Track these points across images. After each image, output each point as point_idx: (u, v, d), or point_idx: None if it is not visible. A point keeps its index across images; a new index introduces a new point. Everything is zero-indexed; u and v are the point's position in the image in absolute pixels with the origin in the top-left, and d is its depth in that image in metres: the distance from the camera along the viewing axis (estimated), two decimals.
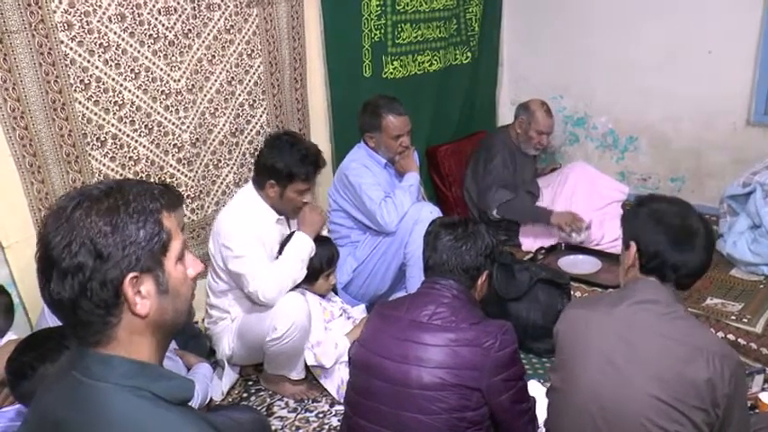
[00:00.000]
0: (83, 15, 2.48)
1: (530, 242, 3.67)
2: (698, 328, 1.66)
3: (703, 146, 4.08)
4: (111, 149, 2.70)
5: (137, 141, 2.77)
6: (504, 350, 1.81)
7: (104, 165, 2.69)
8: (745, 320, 2.77)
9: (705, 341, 1.60)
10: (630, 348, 1.62)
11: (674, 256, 1.66)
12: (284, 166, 2.55)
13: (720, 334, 2.68)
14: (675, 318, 1.64)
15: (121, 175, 2.74)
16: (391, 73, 3.80)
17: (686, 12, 3.91)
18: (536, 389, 2.32)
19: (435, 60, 4.06)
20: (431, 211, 2.92)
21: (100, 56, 2.57)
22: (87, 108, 2.58)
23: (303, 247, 2.62)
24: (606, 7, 4.22)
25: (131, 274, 1.05)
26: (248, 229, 2.55)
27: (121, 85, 2.66)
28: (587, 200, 3.73)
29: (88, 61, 2.54)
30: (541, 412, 1.97)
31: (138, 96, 2.73)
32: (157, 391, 1.07)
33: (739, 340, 2.68)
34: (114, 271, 1.04)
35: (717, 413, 1.55)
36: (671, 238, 1.66)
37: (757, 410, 2.29)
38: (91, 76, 2.56)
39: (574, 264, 3.37)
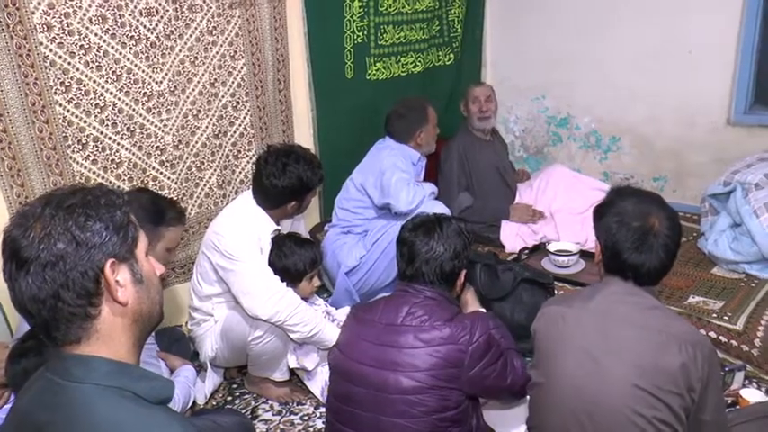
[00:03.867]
0: (63, 17, 2.46)
1: (513, 242, 3.68)
2: (671, 316, 1.70)
3: (685, 145, 4.12)
4: (92, 152, 2.68)
5: (119, 144, 2.76)
6: (478, 339, 1.83)
7: (86, 168, 2.67)
8: (726, 318, 2.80)
9: (678, 329, 1.64)
10: (607, 339, 1.66)
11: (631, 257, 1.69)
12: (302, 183, 2.63)
13: (702, 331, 2.69)
14: (648, 307, 1.69)
15: (103, 178, 2.72)
16: (374, 74, 3.81)
17: (666, 12, 3.94)
18: None
19: (419, 62, 4.07)
20: (441, 211, 2.97)
21: (81, 58, 2.55)
22: (68, 110, 2.56)
23: None
24: (588, 8, 4.25)
25: (110, 260, 1.07)
26: (251, 239, 2.56)
27: (103, 87, 2.65)
28: (568, 203, 3.76)
29: (69, 63, 2.52)
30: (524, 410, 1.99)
31: (119, 98, 2.71)
32: (138, 391, 1.09)
33: (720, 338, 2.70)
34: (94, 258, 1.06)
35: (692, 397, 1.60)
36: (629, 240, 1.69)
37: (738, 407, 2.31)
38: (72, 78, 2.54)
39: (557, 263, 3.38)
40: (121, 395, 1.07)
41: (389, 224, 3.16)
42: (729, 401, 2.32)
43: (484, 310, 2.39)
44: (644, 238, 1.68)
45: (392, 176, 3.14)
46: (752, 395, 2.34)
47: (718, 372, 1.72)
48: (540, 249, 3.60)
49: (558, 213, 3.75)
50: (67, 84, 2.54)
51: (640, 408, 1.59)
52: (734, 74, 3.83)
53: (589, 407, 1.65)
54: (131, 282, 1.12)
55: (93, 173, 2.70)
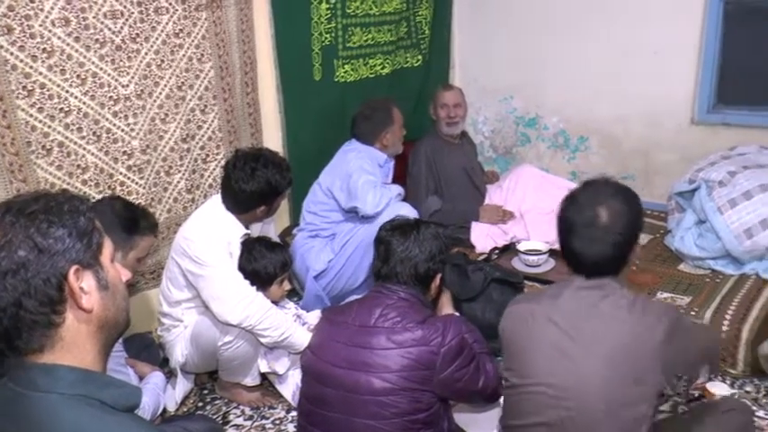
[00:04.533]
0: (23, 19, 2.42)
1: (483, 243, 3.70)
2: (637, 302, 1.71)
3: (651, 145, 4.18)
4: (57, 158, 2.64)
5: (85, 149, 2.72)
6: (450, 342, 1.84)
7: (51, 173, 2.63)
8: (694, 313, 2.83)
9: (645, 311, 1.67)
10: (578, 333, 1.68)
11: (576, 248, 1.73)
12: (271, 187, 2.61)
13: None
14: (615, 297, 1.70)
15: (69, 184, 2.68)
16: (342, 76, 3.81)
17: (632, 13, 4.00)
18: None
19: (387, 64, 4.08)
20: (408, 212, 2.99)
21: (43, 61, 2.51)
22: (31, 115, 2.52)
23: None
24: (555, 10, 4.30)
25: (74, 267, 1.06)
26: (221, 244, 2.53)
27: (67, 91, 2.61)
28: (537, 203, 3.79)
29: (31, 67, 2.48)
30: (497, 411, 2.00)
31: (85, 103, 2.67)
32: (105, 399, 1.07)
33: None
34: (57, 265, 1.04)
35: (670, 368, 1.65)
36: (570, 231, 1.74)
37: (705, 400, 2.34)
38: (34, 82, 2.50)
39: (527, 263, 3.40)
40: (88, 403, 1.05)
41: (356, 227, 3.16)
42: (696, 395, 2.36)
43: (458, 314, 2.40)
44: (586, 230, 1.71)
45: (359, 179, 3.13)
46: (718, 388, 2.39)
47: (689, 325, 1.76)
48: (510, 249, 3.62)
49: (527, 213, 3.77)
50: (30, 88, 2.50)
51: (619, 394, 1.62)
52: (697, 74, 3.89)
53: (567, 402, 1.67)
54: (96, 288, 1.10)
55: (59, 179, 2.66)
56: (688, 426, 1.89)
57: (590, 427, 1.65)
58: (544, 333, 1.72)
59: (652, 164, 4.22)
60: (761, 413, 2.46)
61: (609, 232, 1.69)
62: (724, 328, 2.72)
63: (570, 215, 1.75)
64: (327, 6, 3.60)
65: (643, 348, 1.62)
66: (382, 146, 3.37)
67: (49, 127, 2.59)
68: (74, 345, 1.08)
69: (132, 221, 2.44)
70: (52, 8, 2.49)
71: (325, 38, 3.65)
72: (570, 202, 1.78)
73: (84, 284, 1.07)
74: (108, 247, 1.15)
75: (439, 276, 2.08)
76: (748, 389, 2.61)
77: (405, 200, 3.38)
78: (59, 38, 2.54)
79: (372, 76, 4.00)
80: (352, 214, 3.22)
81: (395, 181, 3.54)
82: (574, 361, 1.66)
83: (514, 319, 1.82)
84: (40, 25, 2.47)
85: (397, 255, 2.00)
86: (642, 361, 1.62)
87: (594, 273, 1.73)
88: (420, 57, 4.38)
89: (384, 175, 3.40)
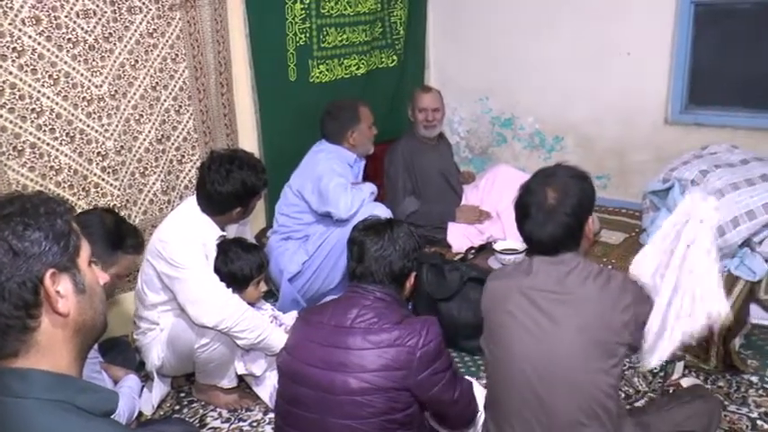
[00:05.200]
0: None
1: (460, 243, 3.71)
2: (601, 273, 1.77)
3: (626, 144, 4.22)
4: (29, 159, 2.61)
5: (58, 150, 2.69)
6: (428, 345, 1.83)
7: (23, 175, 2.60)
8: None
9: (609, 280, 1.75)
10: (551, 308, 1.73)
11: (528, 230, 1.81)
12: (246, 188, 2.59)
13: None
14: (577, 271, 1.76)
15: (42, 185, 2.65)
16: (317, 77, 3.80)
17: (606, 14, 4.04)
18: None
19: (362, 64, 4.08)
20: (382, 212, 2.99)
21: (14, 61, 2.48)
22: (1, 116, 2.49)
23: None
24: (530, 10, 4.32)
25: (51, 270, 1.04)
26: (196, 246, 2.52)
27: (39, 91, 2.58)
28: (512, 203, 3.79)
29: (0, 67, 2.44)
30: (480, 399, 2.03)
31: (57, 103, 2.64)
32: (81, 404, 1.05)
33: None
34: (33, 268, 1.02)
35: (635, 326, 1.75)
36: (524, 216, 1.81)
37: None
38: (4, 82, 2.47)
39: (504, 262, 3.41)
40: (63, 408, 1.03)
41: (330, 229, 3.16)
42: (671, 391, 2.39)
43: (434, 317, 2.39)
44: (537, 212, 1.77)
45: (329, 182, 3.11)
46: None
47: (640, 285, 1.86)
48: (486, 249, 3.63)
49: (504, 213, 3.78)
50: (0, 88, 2.46)
51: (595, 363, 1.68)
52: (670, 75, 3.94)
53: (544, 374, 1.71)
54: (73, 292, 1.08)
55: (31, 180, 2.63)
56: (657, 411, 1.95)
57: (565, 399, 1.70)
58: (519, 309, 1.77)
59: (627, 163, 4.26)
60: (732, 407, 2.50)
61: (558, 212, 1.75)
62: None
63: (523, 200, 1.82)
64: (302, 6, 3.59)
65: (613, 315, 1.69)
66: (350, 145, 3.35)
67: (21, 128, 2.55)
68: (49, 349, 1.06)
69: (119, 237, 2.41)
70: (22, 6, 2.46)
71: (300, 38, 3.64)
72: (523, 189, 1.85)
73: (61, 288, 1.06)
74: (85, 249, 1.13)
75: (413, 275, 2.08)
76: (721, 384, 2.66)
77: (381, 200, 3.36)
78: (30, 37, 2.50)
79: (347, 76, 4.00)
80: (325, 216, 3.21)
81: (369, 181, 3.52)
82: (548, 336, 1.72)
83: (492, 295, 1.89)
84: (10, 24, 2.44)
85: (372, 254, 1.99)
86: (613, 327, 1.69)
87: (552, 253, 1.79)
88: (395, 57, 4.39)
89: (354, 175, 3.38)
